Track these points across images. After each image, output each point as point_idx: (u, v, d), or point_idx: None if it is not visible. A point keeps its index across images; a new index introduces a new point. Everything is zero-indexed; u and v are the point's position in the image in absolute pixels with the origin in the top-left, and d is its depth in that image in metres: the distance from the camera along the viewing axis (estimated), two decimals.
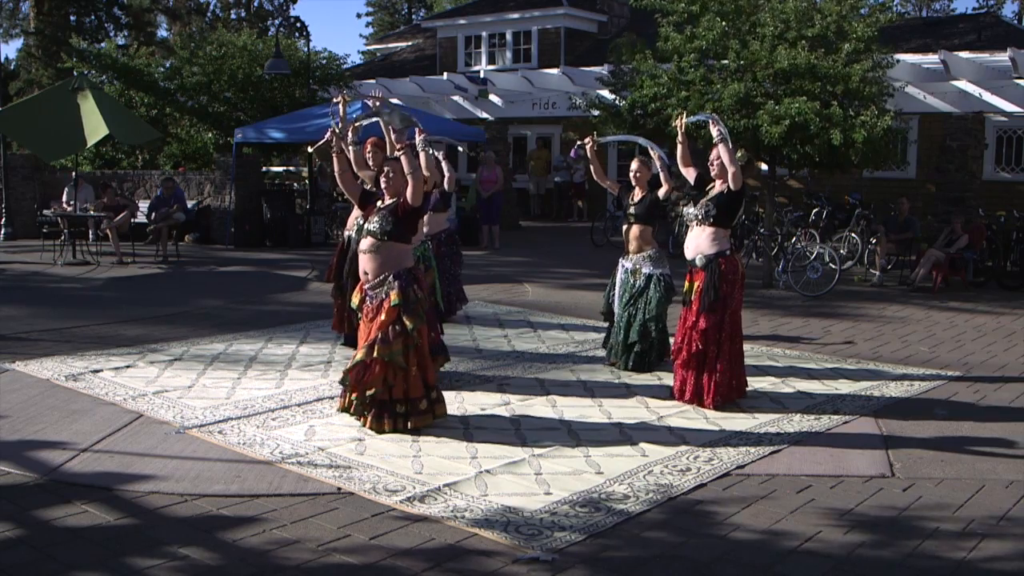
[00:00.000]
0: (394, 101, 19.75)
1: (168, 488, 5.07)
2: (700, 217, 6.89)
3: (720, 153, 6.81)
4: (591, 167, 8.29)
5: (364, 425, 6.09)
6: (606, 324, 8.37)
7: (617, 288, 8.04)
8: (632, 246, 7.96)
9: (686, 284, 6.97)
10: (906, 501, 5.07)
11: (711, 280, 6.74)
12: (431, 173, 6.19)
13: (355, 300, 6.37)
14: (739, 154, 6.93)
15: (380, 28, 48.96)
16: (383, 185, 6.15)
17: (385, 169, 6.13)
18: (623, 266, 8.02)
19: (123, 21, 39.38)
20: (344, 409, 6.23)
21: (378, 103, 6.67)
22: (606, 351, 8.20)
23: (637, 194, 8.01)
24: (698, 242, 6.90)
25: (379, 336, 5.94)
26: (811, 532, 4.62)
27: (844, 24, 12.21)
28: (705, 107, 11.92)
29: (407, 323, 5.94)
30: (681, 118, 7.21)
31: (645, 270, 7.85)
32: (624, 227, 8.13)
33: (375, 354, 5.92)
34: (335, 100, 7.20)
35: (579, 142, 8.18)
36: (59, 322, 9.69)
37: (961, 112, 16.39)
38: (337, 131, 6.61)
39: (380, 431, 6.01)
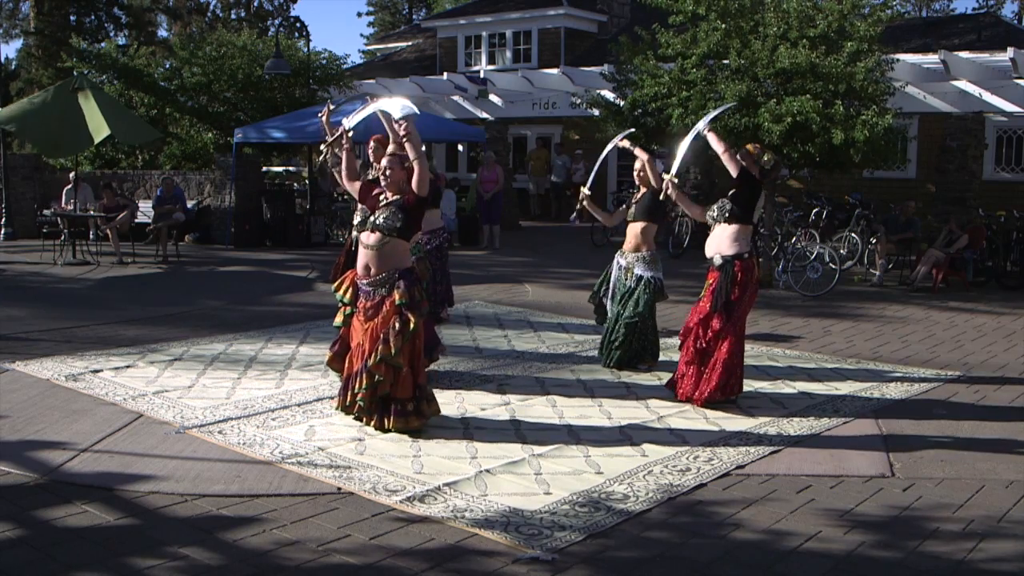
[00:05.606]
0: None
1: (168, 488, 5.07)
2: (715, 215, 6.94)
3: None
4: (599, 217, 8.38)
5: (366, 423, 6.10)
6: (601, 320, 8.38)
7: (612, 284, 8.07)
8: (630, 244, 7.99)
9: (707, 281, 6.98)
10: (906, 501, 5.07)
11: (724, 282, 6.74)
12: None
13: (342, 293, 6.40)
14: (765, 157, 6.93)
15: (381, 28, 48.94)
16: (383, 182, 6.15)
17: (383, 164, 6.14)
18: (618, 262, 8.06)
19: (123, 21, 39.37)
20: (343, 408, 6.23)
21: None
22: (599, 351, 8.20)
23: (640, 192, 8.04)
24: (718, 241, 6.90)
25: (380, 338, 5.92)
26: (811, 532, 4.62)
27: (846, 24, 12.20)
28: (707, 106, 11.91)
29: (411, 320, 5.93)
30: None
31: (637, 271, 7.87)
32: (627, 225, 8.17)
33: (378, 357, 5.90)
34: (330, 106, 7.17)
35: (576, 208, 8.43)
36: (59, 322, 9.69)
37: (961, 112, 16.38)
38: (345, 130, 6.54)
39: (382, 430, 6.02)
